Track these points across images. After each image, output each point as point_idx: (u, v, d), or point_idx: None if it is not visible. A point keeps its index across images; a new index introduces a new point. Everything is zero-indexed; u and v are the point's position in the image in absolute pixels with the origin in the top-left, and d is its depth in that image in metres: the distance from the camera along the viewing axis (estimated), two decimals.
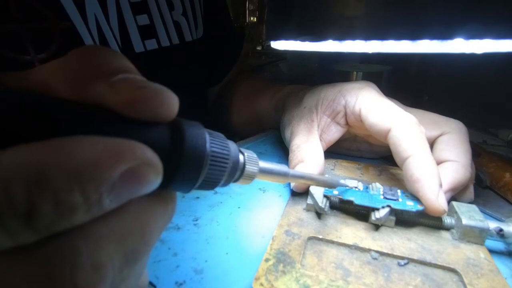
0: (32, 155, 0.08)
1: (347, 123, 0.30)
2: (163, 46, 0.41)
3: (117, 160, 0.09)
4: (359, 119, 0.28)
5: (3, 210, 0.08)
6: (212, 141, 0.13)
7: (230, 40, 0.55)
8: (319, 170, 0.26)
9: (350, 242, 0.21)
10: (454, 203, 0.23)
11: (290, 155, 0.28)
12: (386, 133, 0.25)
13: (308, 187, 0.25)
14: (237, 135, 0.54)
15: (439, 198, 0.21)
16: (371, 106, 0.27)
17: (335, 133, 0.31)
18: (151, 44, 0.39)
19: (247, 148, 0.15)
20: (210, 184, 0.13)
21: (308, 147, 0.27)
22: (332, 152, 0.36)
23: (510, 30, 0.19)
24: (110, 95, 0.10)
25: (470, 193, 0.27)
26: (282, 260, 0.19)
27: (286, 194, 0.28)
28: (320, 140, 0.30)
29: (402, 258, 0.20)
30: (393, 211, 0.22)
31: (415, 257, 0.20)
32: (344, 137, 0.33)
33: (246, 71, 0.60)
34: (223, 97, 0.55)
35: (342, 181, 0.23)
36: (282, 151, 0.38)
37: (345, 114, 0.30)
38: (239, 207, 0.26)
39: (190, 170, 0.12)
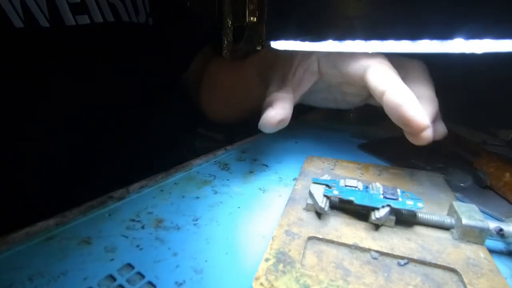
0: None
1: (320, 71, 0.32)
2: (95, 21, 0.39)
3: None
4: (333, 65, 0.30)
5: None
6: None
7: (186, 30, 0.54)
8: (286, 114, 0.28)
9: (350, 242, 0.21)
10: (454, 203, 0.23)
11: (264, 102, 0.30)
12: (362, 75, 0.27)
13: (277, 123, 0.27)
14: (234, 132, 0.54)
15: (423, 115, 0.23)
16: (344, 55, 0.29)
17: (309, 80, 0.33)
18: (83, 20, 0.38)
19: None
20: None
21: (278, 94, 0.30)
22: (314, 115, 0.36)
23: (510, 30, 0.19)
24: None
25: (442, 126, 0.28)
26: (282, 260, 0.19)
27: (286, 194, 0.28)
28: (296, 87, 0.32)
29: (402, 258, 0.20)
30: (393, 211, 0.22)
31: (415, 257, 0.20)
32: (318, 88, 0.34)
33: (225, 59, 0.59)
34: (205, 88, 0.54)
35: (342, 181, 0.23)
36: (283, 151, 0.38)
37: (319, 63, 0.32)
38: (239, 207, 0.26)
39: None
